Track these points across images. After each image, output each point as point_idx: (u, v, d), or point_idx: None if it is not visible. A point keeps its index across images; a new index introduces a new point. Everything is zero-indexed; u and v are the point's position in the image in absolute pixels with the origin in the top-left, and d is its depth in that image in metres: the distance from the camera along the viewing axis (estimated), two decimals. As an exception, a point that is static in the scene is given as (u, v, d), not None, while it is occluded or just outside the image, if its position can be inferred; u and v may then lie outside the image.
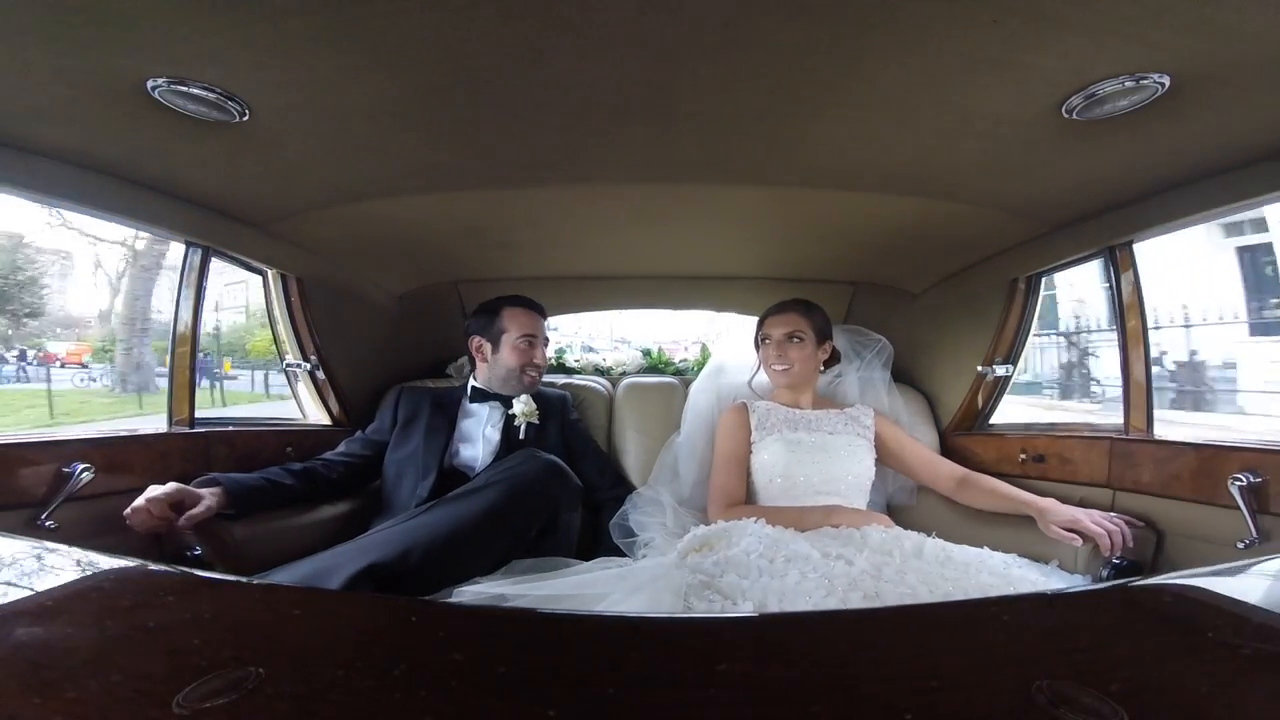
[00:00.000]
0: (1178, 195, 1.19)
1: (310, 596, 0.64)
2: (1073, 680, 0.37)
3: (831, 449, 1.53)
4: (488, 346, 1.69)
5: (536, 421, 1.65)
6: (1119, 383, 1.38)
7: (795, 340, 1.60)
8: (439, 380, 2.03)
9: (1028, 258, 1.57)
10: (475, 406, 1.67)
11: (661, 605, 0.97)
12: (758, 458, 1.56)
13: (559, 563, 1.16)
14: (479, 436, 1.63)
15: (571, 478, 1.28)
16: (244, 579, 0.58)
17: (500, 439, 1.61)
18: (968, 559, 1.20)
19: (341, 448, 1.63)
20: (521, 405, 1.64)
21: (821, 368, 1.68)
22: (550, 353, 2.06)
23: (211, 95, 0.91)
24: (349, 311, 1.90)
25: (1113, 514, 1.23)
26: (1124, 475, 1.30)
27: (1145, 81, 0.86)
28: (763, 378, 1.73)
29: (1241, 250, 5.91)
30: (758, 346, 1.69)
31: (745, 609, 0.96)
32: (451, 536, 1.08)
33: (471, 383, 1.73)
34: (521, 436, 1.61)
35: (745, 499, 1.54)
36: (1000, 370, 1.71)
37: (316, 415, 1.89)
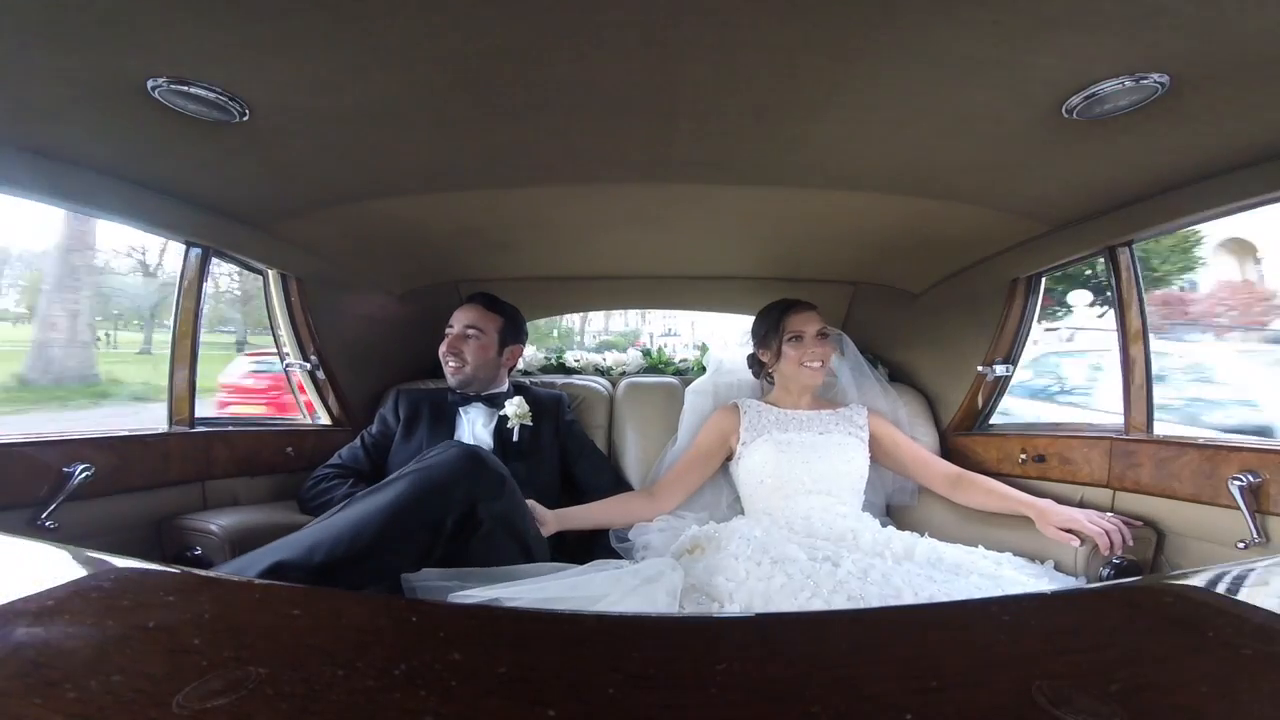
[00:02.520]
0: (1178, 195, 1.18)
1: (310, 596, 0.64)
2: (1072, 680, 0.37)
3: (822, 448, 1.53)
4: None
5: (530, 424, 1.64)
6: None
7: (824, 336, 1.61)
8: (439, 380, 2.03)
9: (1028, 258, 1.57)
10: (464, 409, 1.68)
11: (657, 607, 0.98)
12: (747, 460, 1.56)
13: (551, 566, 1.16)
14: (471, 439, 1.62)
15: (491, 465, 1.20)
16: (244, 579, 0.58)
17: (494, 442, 1.61)
18: (959, 560, 1.20)
19: (362, 456, 1.62)
20: (514, 407, 1.63)
21: None
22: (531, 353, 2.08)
23: (212, 95, 0.91)
24: (349, 311, 1.90)
25: (1111, 514, 1.23)
26: (1124, 475, 1.30)
27: (1145, 81, 0.85)
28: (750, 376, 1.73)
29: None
30: (774, 344, 1.63)
31: (733, 610, 0.96)
32: (357, 533, 1.05)
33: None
34: (515, 439, 1.61)
35: (679, 500, 1.58)
36: (1000, 370, 1.71)
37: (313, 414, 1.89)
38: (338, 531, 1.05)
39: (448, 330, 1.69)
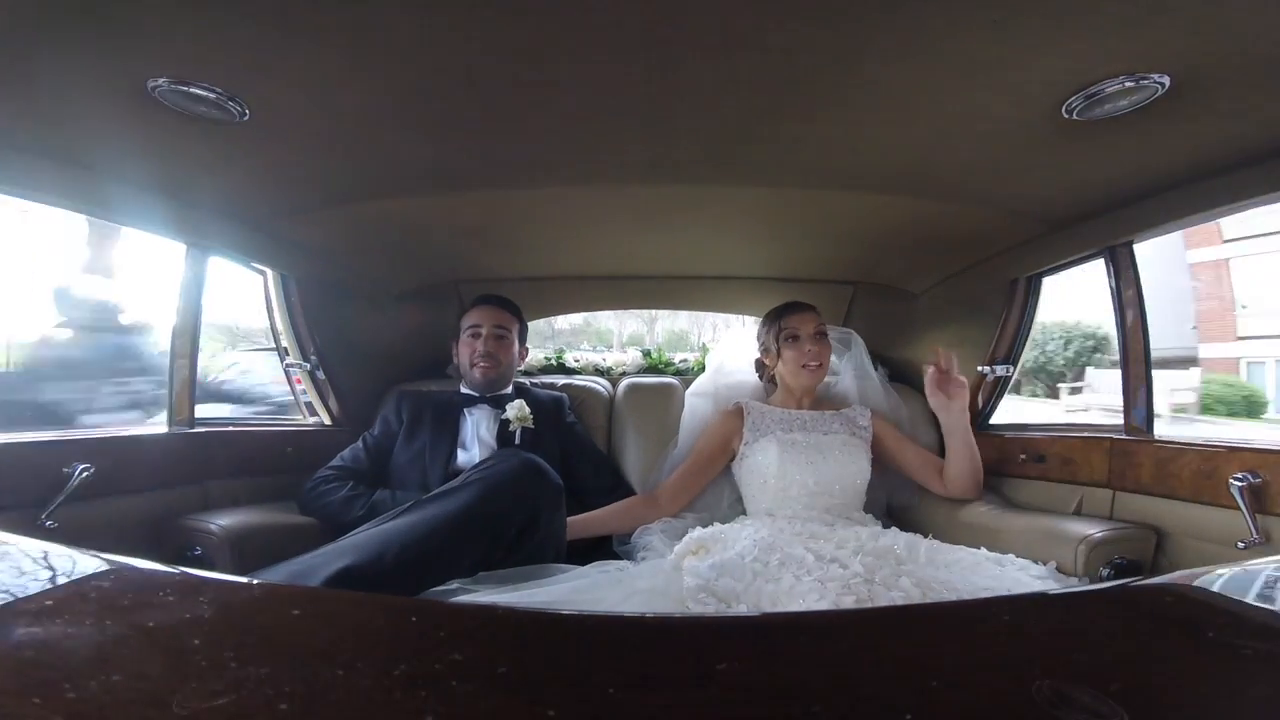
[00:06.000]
0: (1178, 195, 1.18)
1: (310, 596, 0.64)
2: (1073, 680, 0.37)
3: (826, 449, 1.53)
4: (454, 347, 1.73)
5: (532, 426, 1.64)
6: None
7: (821, 337, 1.61)
8: (440, 381, 2.03)
9: (1028, 258, 1.57)
10: (469, 410, 1.68)
11: (658, 608, 0.98)
12: (751, 460, 1.56)
13: (554, 568, 1.16)
14: (475, 441, 1.63)
15: (551, 476, 1.25)
16: (244, 579, 0.58)
17: (496, 444, 1.61)
18: (964, 561, 1.20)
19: (363, 457, 1.62)
20: (515, 410, 1.64)
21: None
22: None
23: (211, 95, 0.91)
24: (349, 311, 1.89)
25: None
26: (1124, 475, 1.30)
27: (1145, 81, 0.86)
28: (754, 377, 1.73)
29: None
30: (773, 346, 1.64)
31: (740, 611, 0.96)
32: (426, 538, 1.06)
33: (460, 387, 1.73)
34: (517, 441, 1.61)
35: (683, 504, 1.59)
36: (1000, 370, 1.71)
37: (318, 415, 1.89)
38: (405, 537, 1.06)
39: (477, 331, 1.69)
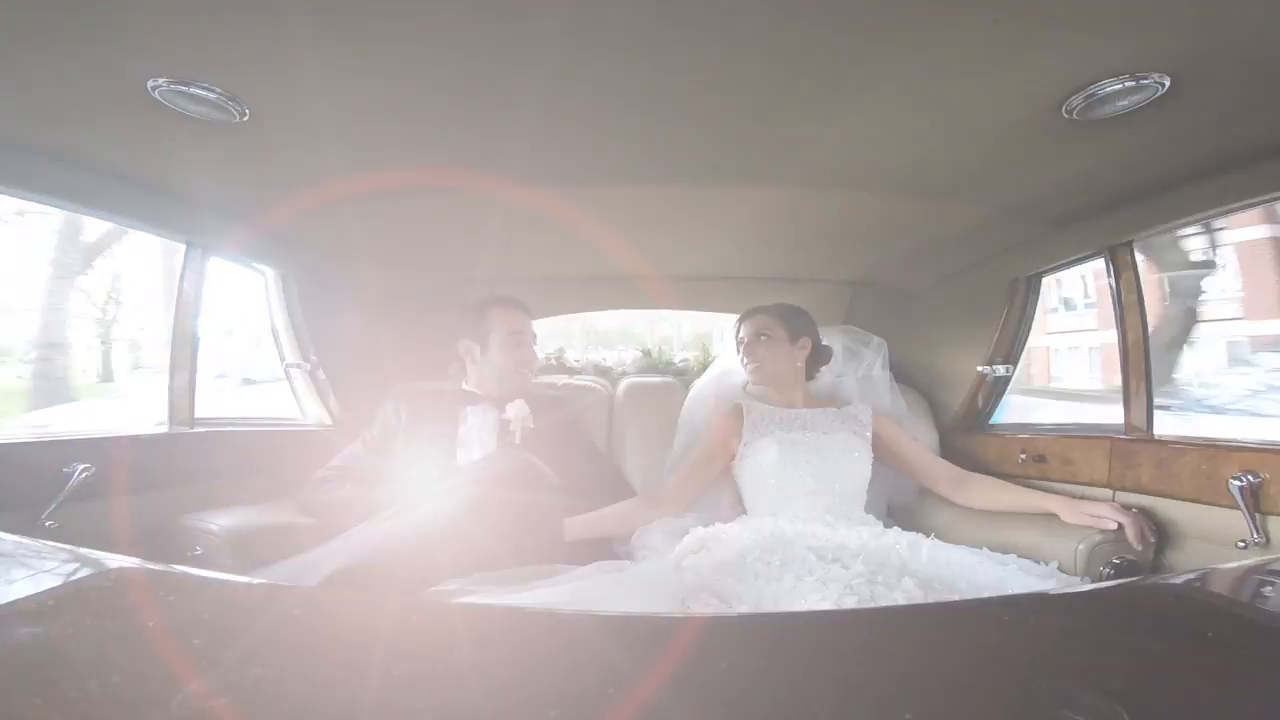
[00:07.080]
0: (1178, 195, 1.19)
1: (310, 596, 0.64)
2: (1073, 680, 0.37)
3: (826, 448, 1.52)
4: (476, 348, 1.69)
5: (532, 425, 1.64)
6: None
7: (763, 339, 1.63)
8: (440, 381, 2.03)
9: (1028, 258, 1.57)
10: (470, 410, 1.67)
11: (658, 608, 0.97)
12: (751, 460, 1.56)
13: (553, 568, 1.16)
14: (476, 441, 1.62)
15: (547, 475, 1.25)
16: (244, 579, 0.58)
17: (496, 443, 1.61)
18: (965, 561, 1.20)
19: (363, 457, 1.61)
20: (515, 410, 1.63)
21: (801, 364, 1.68)
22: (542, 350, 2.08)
23: (212, 95, 0.91)
24: (349, 311, 1.89)
25: (1130, 508, 1.23)
26: (1124, 475, 1.30)
27: (1145, 81, 0.86)
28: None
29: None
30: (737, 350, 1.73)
31: (739, 610, 0.96)
32: (421, 538, 1.07)
33: (464, 386, 1.73)
34: (518, 441, 1.61)
35: (683, 506, 1.57)
36: (1000, 370, 1.71)
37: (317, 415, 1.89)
38: (400, 536, 1.07)
39: (521, 337, 1.70)
